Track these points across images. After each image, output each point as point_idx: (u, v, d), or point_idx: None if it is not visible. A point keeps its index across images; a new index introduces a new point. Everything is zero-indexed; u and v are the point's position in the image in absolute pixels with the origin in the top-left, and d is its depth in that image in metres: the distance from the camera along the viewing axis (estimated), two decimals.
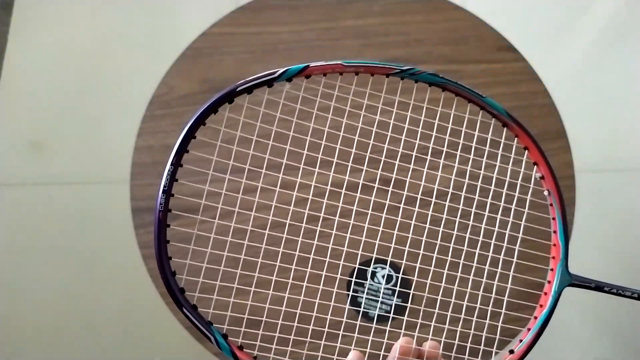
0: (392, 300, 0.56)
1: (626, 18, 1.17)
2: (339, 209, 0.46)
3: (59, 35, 1.15)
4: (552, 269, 0.32)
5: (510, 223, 0.37)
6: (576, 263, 0.65)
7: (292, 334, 0.57)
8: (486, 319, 0.58)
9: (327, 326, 0.53)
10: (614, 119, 1.09)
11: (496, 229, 0.39)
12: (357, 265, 0.55)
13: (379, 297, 0.56)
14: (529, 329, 0.33)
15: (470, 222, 0.40)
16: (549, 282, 0.32)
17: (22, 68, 1.12)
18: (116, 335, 0.96)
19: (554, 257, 0.32)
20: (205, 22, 0.67)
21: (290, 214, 0.47)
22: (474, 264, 0.41)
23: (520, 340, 0.33)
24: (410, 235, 0.45)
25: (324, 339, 0.50)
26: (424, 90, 0.33)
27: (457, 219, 0.40)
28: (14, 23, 1.14)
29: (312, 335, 0.56)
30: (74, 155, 1.06)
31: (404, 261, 0.45)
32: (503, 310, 0.40)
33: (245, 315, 0.42)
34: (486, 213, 0.39)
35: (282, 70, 0.29)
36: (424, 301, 0.43)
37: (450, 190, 0.41)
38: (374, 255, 0.47)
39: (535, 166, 0.32)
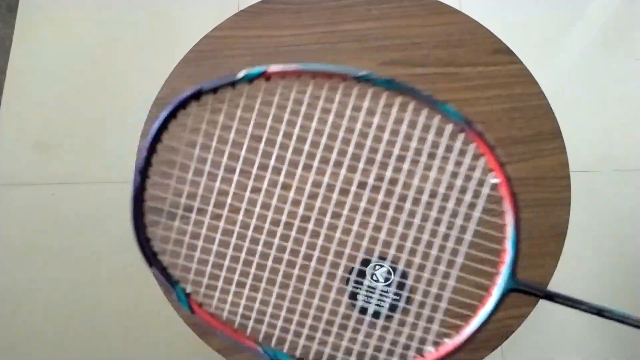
0: (391, 297, 0.56)
1: (620, 20, 1.18)
2: (338, 208, 0.47)
3: (63, 37, 1.16)
4: (498, 273, 0.33)
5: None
6: (571, 262, 0.66)
7: (292, 330, 0.58)
8: (487, 318, 0.58)
9: (325, 323, 0.53)
10: (608, 120, 1.09)
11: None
12: (357, 262, 0.56)
13: (377, 294, 0.56)
14: (467, 324, 0.33)
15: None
16: (494, 284, 0.33)
17: (27, 70, 1.13)
18: (119, 334, 0.96)
19: (502, 262, 0.33)
20: (208, 26, 0.69)
21: (286, 213, 0.48)
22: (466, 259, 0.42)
23: (458, 333, 0.33)
24: (408, 233, 0.46)
25: (327, 336, 0.51)
26: (379, 95, 0.32)
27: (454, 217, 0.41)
28: (19, 25, 1.15)
29: (311, 331, 0.57)
30: (78, 156, 1.06)
31: (404, 257, 0.46)
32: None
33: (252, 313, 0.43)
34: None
35: (242, 73, 0.31)
36: (422, 298, 0.44)
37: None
38: (371, 251, 0.48)
39: (492, 172, 0.32)
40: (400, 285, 0.47)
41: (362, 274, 0.54)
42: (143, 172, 0.33)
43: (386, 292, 0.54)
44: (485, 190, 0.33)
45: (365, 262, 0.55)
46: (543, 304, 0.58)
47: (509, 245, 0.32)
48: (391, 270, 0.55)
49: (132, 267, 0.96)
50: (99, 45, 1.15)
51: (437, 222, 0.37)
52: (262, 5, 0.69)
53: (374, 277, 0.54)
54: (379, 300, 0.55)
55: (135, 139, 0.64)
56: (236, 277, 0.38)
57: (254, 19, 0.68)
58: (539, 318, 0.95)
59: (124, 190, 0.68)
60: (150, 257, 0.34)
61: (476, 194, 0.34)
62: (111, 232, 1.00)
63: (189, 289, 0.35)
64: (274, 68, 0.31)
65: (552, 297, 0.33)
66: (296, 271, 0.40)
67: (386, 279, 0.55)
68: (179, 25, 1.15)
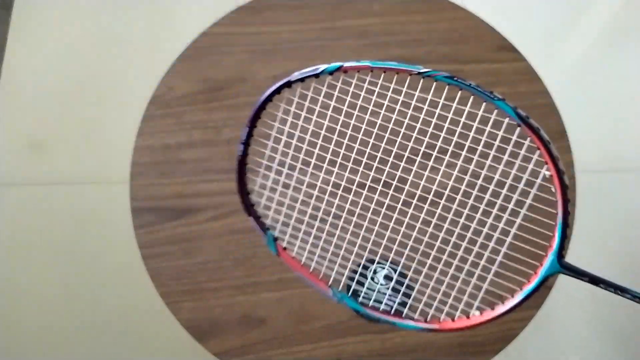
0: (393, 299, 0.56)
1: (626, 18, 1.17)
2: (339, 208, 0.46)
3: (59, 34, 1.15)
4: (545, 255, 0.36)
5: (515, 222, 0.39)
6: (576, 263, 0.65)
7: (293, 333, 0.57)
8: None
9: (327, 325, 0.52)
10: (614, 119, 1.09)
11: (501, 225, 0.40)
12: (353, 264, 0.55)
13: (379, 295, 0.55)
14: (512, 297, 0.38)
15: (475, 221, 0.40)
16: (540, 265, 0.37)
17: (22, 68, 1.12)
18: (116, 335, 0.96)
19: (550, 246, 0.37)
20: (205, 22, 0.67)
21: (295, 213, 0.47)
22: (468, 262, 0.41)
23: (502, 304, 0.38)
24: (412, 234, 0.45)
25: (324, 338, 0.50)
26: (442, 89, 0.37)
27: (461, 219, 0.41)
28: (14, 23, 1.14)
29: (312, 333, 0.56)
30: (74, 155, 1.06)
31: (403, 260, 0.45)
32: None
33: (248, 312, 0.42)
34: (494, 212, 0.39)
35: (323, 66, 0.37)
36: (424, 299, 0.43)
37: (450, 189, 0.41)
38: (370, 253, 0.47)
39: (545, 165, 0.36)
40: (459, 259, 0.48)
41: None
42: (246, 142, 0.40)
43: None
44: (538, 181, 0.37)
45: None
46: (546, 306, 0.58)
47: (557, 232, 0.36)
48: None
49: (129, 268, 0.95)
50: (95, 43, 1.14)
51: (491, 204, 0.40)
52: (261, 1, 0.68)
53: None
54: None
55: (131, 137, 0.63)
56: (314, 231, 0.44)
57: (252, 15, 0.67)
58: (542, 321, 0.95)
59: (121, 189, 0.67)
60: (249, 207, 0.42)
61: (529, 184, 0.37)
62: (107, 231, 0.99)
63: (276, 234, 0.43)
64: (349, 64, 0.36)
65: (597, 282, 0.35)
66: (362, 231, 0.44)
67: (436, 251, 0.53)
68: (176, 22, 1.14)
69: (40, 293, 0.98)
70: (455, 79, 0.35)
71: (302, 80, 0.38)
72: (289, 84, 0.38)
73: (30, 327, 0.96)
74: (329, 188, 0.45)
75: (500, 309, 0.37)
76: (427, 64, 0.65)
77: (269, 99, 0.38)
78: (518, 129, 0.35)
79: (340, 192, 0.44)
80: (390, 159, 0.43)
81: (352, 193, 0.45)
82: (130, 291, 0.94)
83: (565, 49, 1.15)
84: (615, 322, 0.97)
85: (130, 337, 0.96)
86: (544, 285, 0.58)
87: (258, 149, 0.41)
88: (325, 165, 0.44)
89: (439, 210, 0.42)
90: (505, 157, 0.38)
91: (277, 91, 0.38)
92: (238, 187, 0.41)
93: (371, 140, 0.43)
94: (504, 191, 0.38)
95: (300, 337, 0.56)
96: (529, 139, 0.35)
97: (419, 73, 0.35)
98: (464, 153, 0.40)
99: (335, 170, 0.44)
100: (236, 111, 0.64)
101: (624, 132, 1.07)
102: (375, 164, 0.44)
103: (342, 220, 0.44)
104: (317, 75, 0.37)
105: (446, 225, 0.42)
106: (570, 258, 0.60)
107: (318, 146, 0.43)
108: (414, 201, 0.43)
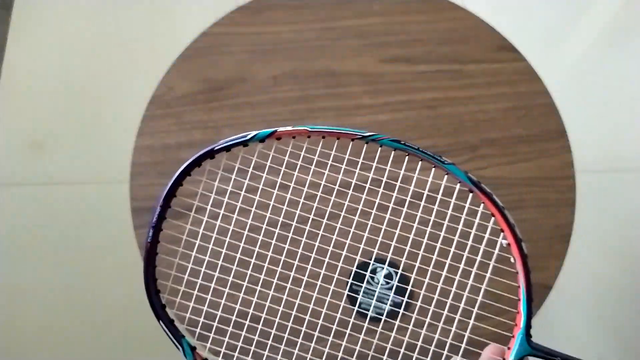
0: (392, 299, 0.56)
1: (626, 18, 1.17)
2: (337, 209, 0.46)
3: (59, 34, 1.15)
4: (513, 336, 0.33)
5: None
6: (576, 264, 0.65)
7: (295, 333, 0.57)
8: (482, 320, 0.58)
9: (326, 326, 0.52)
10: (614, 119, 1.08)
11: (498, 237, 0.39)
12: (355, 268, 0.55)
13: (378, 296, 0.55)
14: None
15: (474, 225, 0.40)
16: (509, 348, 0.33)
17: (22, 68, 1.12)
18: (116, 335, 0.95)
19: (516, 325, 0.32)
20: (205, 22, 0.67)
21: (285, 214, 0.47)
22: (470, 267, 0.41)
23: None
24: (410, 236, 0.45)
25: (323, 339, 0.50)
26: (389, 152, 0.34)
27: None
28: (14, 23, 1.14)
29: (311, 335, 0.56)
30: (74, 155, 1.06)
31: (403, 260, 0.45)
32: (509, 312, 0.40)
33: (243, 315, 0.42)
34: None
35: (253, 133, 0.33)
36: (423, 301, 0.43)
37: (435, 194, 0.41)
38: (375, 254, 0.47)
39: (502, 233, 0.33)
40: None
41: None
42: (156, 226, 0.34)
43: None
44: (496, 251, 0.33)
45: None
46: (546, 306, 0.58)
47: (521, 308, 0.32)
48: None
49: (129, 268, 0.95)
50: (95, 43, 1.14)
51: (449, 282, 0.36)
52: (261, 1, 0.68)
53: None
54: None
55: (131, 137, 0.63)
56: (243, 333, 0.38)
57: (252, 15, 0.67)
58: (542, 321, 0.95)
59: (121, 189, 0.67)
60: (158, 309, 0.36)
61: (486, 255, 0.34)
62: (107, 231, 0.99)
63: (193, 342, 0.36)
64: (283, 129, 0.32)
65: None
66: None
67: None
68: (175, 22, 1.14)
69: (40, 293, 0.98)
70: (402, 142, 0.32)
71: (227, 149, 0.33)
72: (211, 155, 0.33)
73: (30, 327, 0.96)
74: (262, 276, 0.38)
75: None
76: (427, 63, 0.65)
77: (187, 172, 0.33)
78: (471, 194, 0.33)
79: (275, 280, 0.38)
80: (334, 237, 0.37)
81: (289, 281, 0.38)
82: (130, 291, 0.94)
83: (565, 49, 1.14)
84: (616, 324, 0.96)
85: (130, 337, 0.96)
86: (544, 286, 0.58)
87: (172, 234, 0.35)
88: (256, 249, 0.37)
89: (390, 297, 0.39)
90: (460, 227, 0.34)
91: (197, 163, 0.33)
92: (145, 283, 0.35)
93: (310, 217, 0.38)
94: (462, 265, 0.35)
95: (298, 337, 0.56)
96: (482, 204, 0.32)
97: (363, 137, 0.32)
98: (415, 225, 0.36)
99: (269, 254, 0.38)
100: (236, 111, 0.64)
101: (624, 132, 1.07)
102: (317, 244, 0.38)
103: (278, 316, 0.38)
104: (245, 144, 0.33)
105: (398, 323, 0.38)
106: (571, 259, 0.60)
107: (247, 227, 0.37)
108: (359, 296, 0.39)
